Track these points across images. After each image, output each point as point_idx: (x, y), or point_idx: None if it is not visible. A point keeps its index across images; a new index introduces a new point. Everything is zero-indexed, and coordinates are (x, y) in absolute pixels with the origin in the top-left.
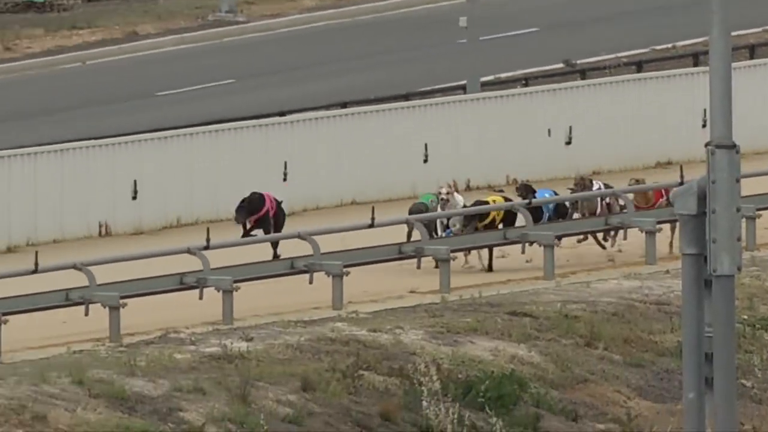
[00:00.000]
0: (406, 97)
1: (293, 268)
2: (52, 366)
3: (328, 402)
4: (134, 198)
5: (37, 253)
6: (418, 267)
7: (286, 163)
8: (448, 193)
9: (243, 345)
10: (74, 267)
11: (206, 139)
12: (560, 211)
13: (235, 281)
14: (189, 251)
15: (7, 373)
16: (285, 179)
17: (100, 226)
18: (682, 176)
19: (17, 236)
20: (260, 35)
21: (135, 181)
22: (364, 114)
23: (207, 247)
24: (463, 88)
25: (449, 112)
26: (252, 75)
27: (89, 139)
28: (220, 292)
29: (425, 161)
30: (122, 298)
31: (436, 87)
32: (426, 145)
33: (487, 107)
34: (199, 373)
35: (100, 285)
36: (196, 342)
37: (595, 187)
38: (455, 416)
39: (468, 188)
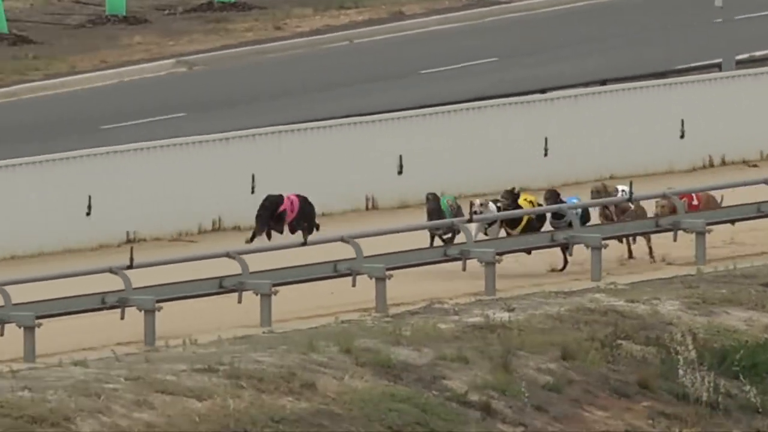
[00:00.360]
0: (663, 74)
1: (553, 241)
2: (321, 335)
3: (586, 370)
4: (399, 173)
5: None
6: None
7: (546, 140)
8: (481, 205)
9: (505, 315)
10: (341, 240)
11: (470, 116)
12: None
13: (498, 254)
14: (452, 226)
15: (278, 342)
16: (546, 155)
17: (367, 199)
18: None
19: None
20: (521, 15)
21: (400, 156)
22: (623, 91)
23: (470, 220)
24: (718, 66)
25: (705, 89)
26: (513, 54)
27: (356, 115)
28: (483, 264)
29: (681, 137)
30: (388, 269)
31: (692, 65)
32: (682, 121)
33: (742, 85)
34: (462, 342)
35: (366, 257)
36: (460, 312)
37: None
38: (710, 384)
39: (723, 163)
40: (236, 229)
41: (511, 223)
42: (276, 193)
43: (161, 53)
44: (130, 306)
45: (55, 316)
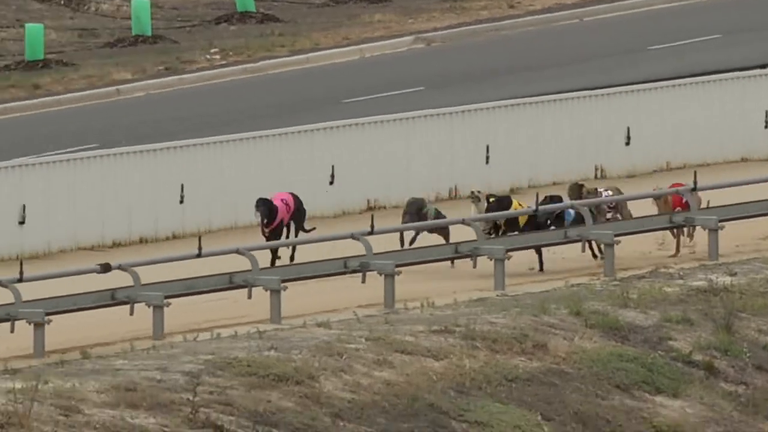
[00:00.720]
0: None
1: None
2: (552, 298)
3: None
4: (627, 144)
5: (537, 194)
6: None
7: (767, 112)
8: (480, 191)
9: (727, 279)
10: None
11: (688, 90)
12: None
13: (721, 220)
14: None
15: (511, 305)
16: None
17: (596, 169)
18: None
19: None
20: None
21: (628, 128)
22: None
23: (694, 189)
24: None
25: None
26: (740, 30)
27: (585, 89)
28: (706, 231)
29: None
30: (617, 236)
31: None
32: None
33: None
34: (686, 305)
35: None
36: (684, 276)
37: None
38: None
39: None
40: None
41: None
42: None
43: (400, 30)
44: (371, 270)
45: (302, 279)
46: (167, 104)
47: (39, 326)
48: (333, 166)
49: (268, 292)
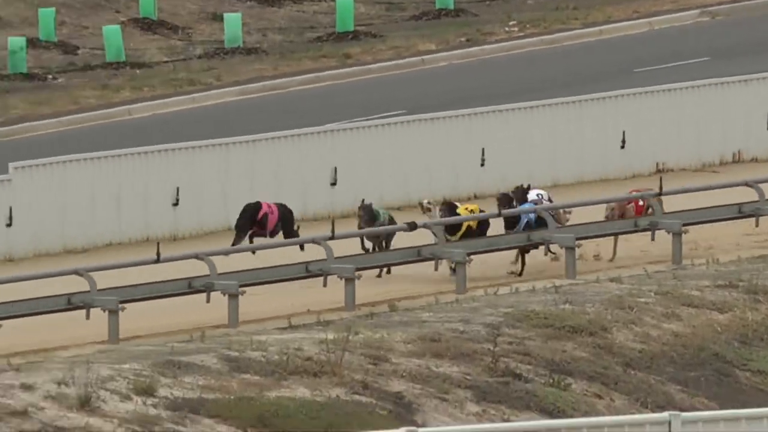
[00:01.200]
0: None
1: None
2: None
3: None
4: None
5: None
6: None
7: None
8: (429, 203)
9: None
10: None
11: None
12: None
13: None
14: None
15: None
16: None
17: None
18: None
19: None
20: None
21: None
22: None
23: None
24: None
25: None
26: None
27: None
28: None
29: None
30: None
31: None
32: None
33: None
34: None
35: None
36: None
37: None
38: None
39: None
40: (754, 161)
41: (450, 230)
42: None
43: (687, 4)
44: (659, 229)
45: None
46: (468, 73)
47: (350, 281)
48: (624, 132)
49: (563, 250)
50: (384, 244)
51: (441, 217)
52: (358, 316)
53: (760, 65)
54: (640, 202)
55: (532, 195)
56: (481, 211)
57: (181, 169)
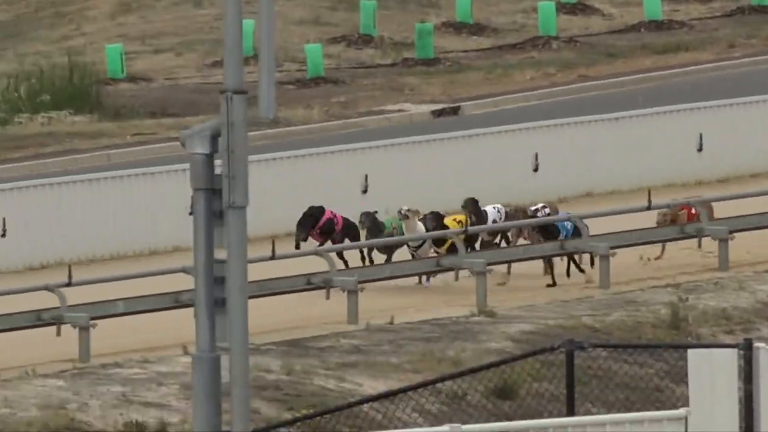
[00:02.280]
0: None
1: None
2: None
3: None
4: None
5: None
6: None
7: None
8: (408, 210)
9: None
10: None
11: None
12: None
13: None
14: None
15: None
16: None
17: None
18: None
19: None
20: None
21: None
22: None
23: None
24: None
25: None
26: None
27: None
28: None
29: None
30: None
31: None
32: None
33: None
34: None
35: None
36: None
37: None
38: None
39: None
40: None
41: (438, 241)
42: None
43: None
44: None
45: None
46: None
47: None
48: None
49: None
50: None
51: (426, 225)
52: None
53: None
54: (693, 210)
55: (489, 209)
56: (469, 221)
57: None
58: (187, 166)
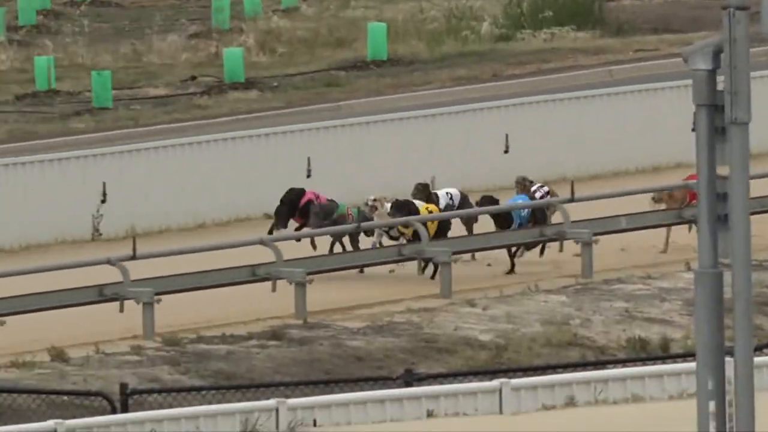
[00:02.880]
0: None
1: None
2: None
3: None
4: None
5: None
6: None
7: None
8: (375, 200)
9: None
10: None
11: None
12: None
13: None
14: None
15: None
16: None
17: None
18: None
19: None
20: None
21: None
22: None
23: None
24: None
25: None
26: None
27: None
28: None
29: None
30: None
31: None
32: None
33: None
34: None
35: None
36: None
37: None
38: None
39: None
40: None
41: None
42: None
43: None
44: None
45: None
46: None
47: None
48: None
49: None
50: (351, 242)
51: (392, 216)
52: None
53: None
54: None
55: (441, 194)
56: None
57: None
58: (689, 82)
